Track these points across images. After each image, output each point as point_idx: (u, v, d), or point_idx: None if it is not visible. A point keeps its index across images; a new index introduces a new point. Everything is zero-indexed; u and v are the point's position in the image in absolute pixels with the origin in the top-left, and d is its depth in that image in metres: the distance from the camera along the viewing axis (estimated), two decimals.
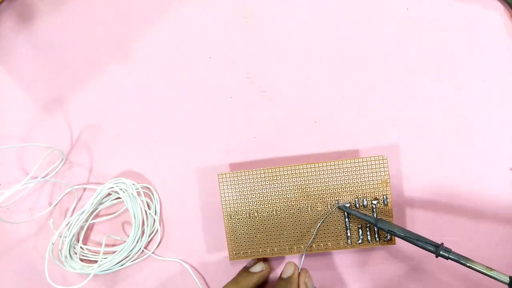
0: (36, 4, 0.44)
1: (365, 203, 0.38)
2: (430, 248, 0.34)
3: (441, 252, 0.33)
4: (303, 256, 0.38)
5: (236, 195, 0.39)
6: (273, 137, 0.41)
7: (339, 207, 0.38)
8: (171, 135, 0.42)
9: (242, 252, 0.39)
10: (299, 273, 0.36)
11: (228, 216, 0.39)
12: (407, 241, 0.35)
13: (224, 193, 0.39)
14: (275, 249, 0.39)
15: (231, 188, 0.39)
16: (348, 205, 0.38)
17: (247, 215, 0.39)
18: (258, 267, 0.38)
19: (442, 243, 0.34)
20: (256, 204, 0.39)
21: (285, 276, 0.36)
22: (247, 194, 0.39)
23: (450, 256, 0.33)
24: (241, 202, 0.39)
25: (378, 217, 0.36)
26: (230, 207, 0.39)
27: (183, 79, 0.42)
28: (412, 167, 0.40)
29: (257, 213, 0.39)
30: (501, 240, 0.39)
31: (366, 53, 0.41)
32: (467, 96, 0.40)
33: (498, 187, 0.39)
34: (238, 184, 0.39)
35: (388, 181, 0.38)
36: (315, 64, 0.41)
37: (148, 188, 0.42)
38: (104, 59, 0.43)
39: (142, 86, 0.43)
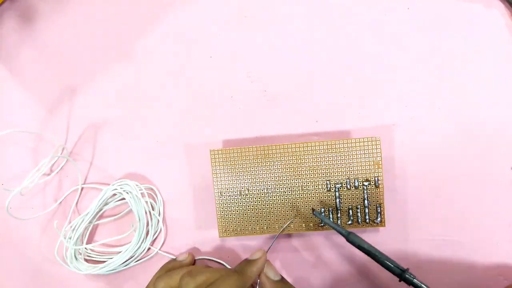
0: (38, 4, 0.44)
1: (356, 184, 0.38)
2: (395, 271, 0.34)
3: (405, 276, 0.34)
4: (276, 236, 0.39)
5: (227, 173, 0.39)
6: (274, 137, 0.42)
7: (314, 213, 0.38)
8: (172, 135, 0.43)
9: (232, 229, 0.40)
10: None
11: (219, 193, 0.39)
12: (374, 259, 0.35)
13: (216, 170, 0.39)
14: (265, 227, 0.39)
15: (223, 165, 0.39)
16: (322, 211, 0.39)
17: (238, 192, 0.39)
18: (258, 254, 0.36)
19: (408, 268, 0.34)
20: (248, 181, 0.39)
21: (251, 258, 0.36)
22: (239, 171, 0.39)
23: (414, 281, 0.34)
24: (232, 180, 0.39)
25: (350, 230, 0.36)
26: (221, 185, 0.39)
27: (184, 79, 0.42)
28: (413, 167, 0.40)
29: (248, 191, 0.39)
30: (502, 240, 0.40)
31: (367, 52, 0.41)
32: (468, 95, 0.40)
33: (499, 186, 0.39)
34: (230, 161, 0.39)
35: (380, 163, 0.38)
36: (316, 63, 0.41)
37: (152, 189, 0.43)
38: (105, 59, 0.43)
39: (143, 86, 0.43)
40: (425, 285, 0.34)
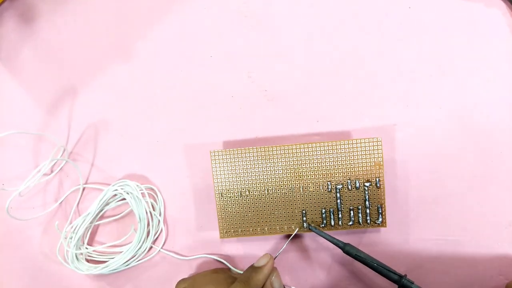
0: (38, 4, 0.44)
1: (357, 184, 0.38)
2: (393, 277, 0.35)
3: (404, 282, 0.34)
4: (289, 238, 0.39)
5: (228, 174, 0.39)
6: (275, 137, 0.41)
7: (309, 228, 0.39)
8: (172, 135, 0.43)
9: (232, 230, 0.40)
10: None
11: (220, 194, 0.39)
12: (372, 268, 0.36)
13: (216, 171, 0.39)
14: (266, 228, 0.39)
15: (223, 166, 0.39)
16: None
17: (239, 193, 0.39)
18: (264, 260, 0.36)
19: (406, 275, 0.35)
20: (248, 183, 0.39)
21: (256, 265, 0.35)
22: (239, 172, 0.39)
23: (412, 286, 0.34)
24: (233, 181, 0.39)
25: (347, 243, 0.37)
26: (221, 186, 0.39)
27: (185, 79, 0.42)
28: (414, 167, 0.40)
29: (249, 192, 0.39)
30: (503, 240, 0.40)
31: (368, 52, 0.40)
32: (469, 95, 0.39)
33: (499, 186, 0.39)
34: (231, 162, 0.39)
35: (381, 164, 0.38)
36: (317, 63, 0.41)
37: (152, 189, 0.43)
38: (106, 59, 0.43)
39: (143, 86, 0.43)
40: None
